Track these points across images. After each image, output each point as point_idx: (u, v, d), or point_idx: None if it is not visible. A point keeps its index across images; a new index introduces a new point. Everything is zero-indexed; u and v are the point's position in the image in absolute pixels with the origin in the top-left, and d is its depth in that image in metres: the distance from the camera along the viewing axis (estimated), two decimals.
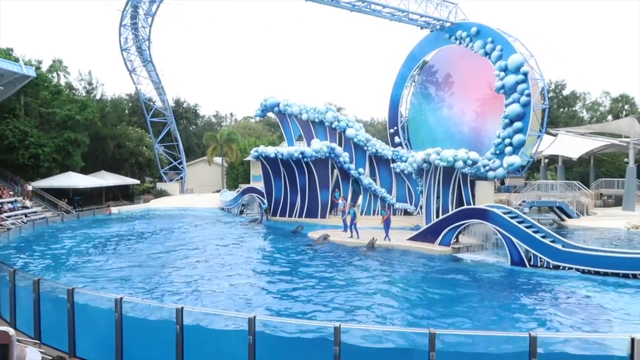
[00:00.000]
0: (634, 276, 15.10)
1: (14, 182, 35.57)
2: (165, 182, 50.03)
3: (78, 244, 21.58)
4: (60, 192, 37.27)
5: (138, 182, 48.52)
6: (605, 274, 15.48)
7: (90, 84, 53.84)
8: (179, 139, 50.13)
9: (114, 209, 35.77)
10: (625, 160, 38.87)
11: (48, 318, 8.97)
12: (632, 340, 6.28)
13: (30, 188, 34.69)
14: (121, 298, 7.93)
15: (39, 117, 40.20)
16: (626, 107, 62.36)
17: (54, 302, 9.20)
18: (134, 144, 51.47)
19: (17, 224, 27.73)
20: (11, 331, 3.40)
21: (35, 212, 32.51)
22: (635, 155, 35.64)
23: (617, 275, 15.33)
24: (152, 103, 48.58)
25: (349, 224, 22.97)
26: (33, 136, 37.07)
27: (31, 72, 34.32)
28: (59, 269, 16.43)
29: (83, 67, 73.77)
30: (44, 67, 45.10)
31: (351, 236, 22.26)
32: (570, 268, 16.23)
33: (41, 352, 6.25)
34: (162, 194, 47.56)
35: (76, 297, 8.44)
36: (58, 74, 48.79)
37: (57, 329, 8.67)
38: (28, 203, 33.19)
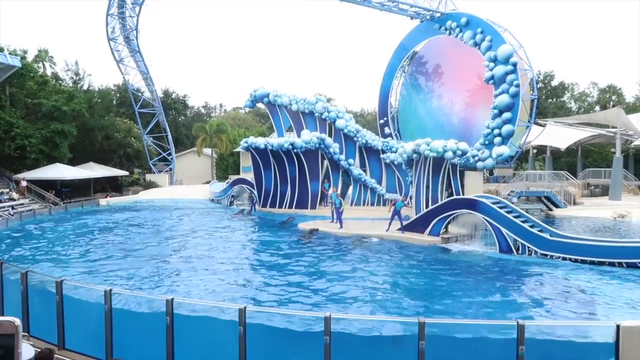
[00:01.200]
0: (621, 264, 15.33)
1: (8, 178, 35.07)
2: (155, 173, 49.72)
3: (66, 236, 21.41)
4: (47, 184, 36.92)
5: (127, 173, 48.20)
6: (592, 263, 15.68)
7: (77, 74, 53.29)
8: (168, 130, 49.78)
9: (102, 201, 35.52)
10: (612, 150, 39.21)
11: (36, 310, 8.90)
12: (618, 327, 6.37)
13: (24, 184, 34.27)
14: (110, 290, 7.88)
15: (25, 108, 39.69)
16: (613, 97, 62.93)
17: (42, 294, 9.13)
18: (122, 135, 51.02)
19: (4, 217, 27.43)
20: (17, 321, 3.35)
21: (22, 204, 32.17)
22: (622, 146, 35.99)
23: (604, 263, 15.54)
24: (140, 94, 48.13)
25: (334, 213, 23.06)
26: (19, 127, 36.57)
27: (16, 62, 33.84)
28: (47, 260, 16.30)
29: (70, 57, 72.64)
30: (30, 57, 44.44)
31: (341, 227, 22.30)
32: (557, 257, 16.43)
33: (30, 345, 6.20)
34: (151, 185, 47.28)
35: (65, 289, 8.39)
36: (44, 64, 48.16)
37: (45, 321, 8.61)
38: (15, 195, 32.82)
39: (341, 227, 22.27)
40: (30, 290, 8.93)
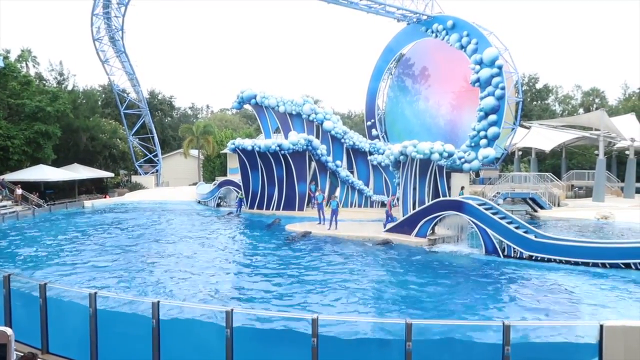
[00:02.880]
0: (604, 265, 15.54)
1: (1, 184, 34.35)
2: (141, 175, 49.30)
3: (51, 238, 21.11)
4: (31, 186, 36.39)
5: (112, 175, 47.71)
6: (576, 263, 15.87)
7: (61, 74, 52.58)
8: (154, 131, 49.37)
9: (87, 203, 35.09)
10: (596, 152, 39.84)
11: (19, 314, 8.77)
12: (601, 327, 6.45)
13: (20, 192, 33.60)
14: (95, 293, 7.78)
15: (8, 108, 39.08)
16: (597, 100, 63.96)
17: (25, 297, 8.98)
18: (107, 136, 50.48)
19: None
20: (9, 331, 3.29)
21: (4, 206, 31.65)
22: (605, 148, 36.55)
23: (588, 264, 15.74)
24: (126, 94, 47.68)
25: (328, 215, 22.99)
26: (1, 128, 36.03)
27: None
28: (32, 264, 16.05)
29: (53, 57, 71.52)
30: (12, 57, 43.79)
31: (329, 228, 22.30)
32: (542, 258, 16.60)
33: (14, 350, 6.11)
34: (137, 187, 46.85)
35: (49, 292, 8.27)
36: (27, 64, 47.46)
37: (29, 325, 8.48)
38: None
39: (330, 227, 22.25)
40: (13, 294, 8.79)
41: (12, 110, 39.19)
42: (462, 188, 24.99)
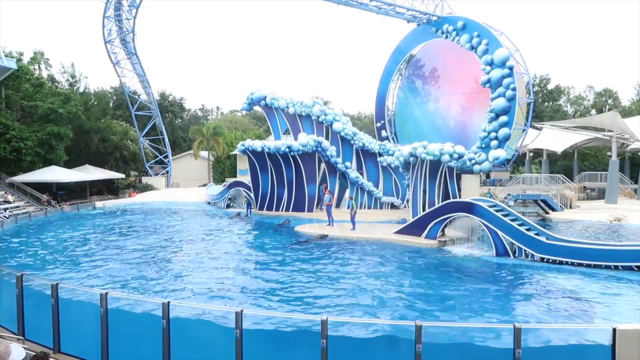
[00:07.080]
0: (616, 267, 15.36)
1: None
2: (151, 176, 49.63)
3: (63, 239, 21.31)
4: (43, 187, 36.79)
5: (123, 176, 48.10)
6: (588, 266, 15.71)
7: (73, 76, 53.10)
8: (165, 132, 49.73)
9: (99, 203, 35.37)
10: (608, 153, 39.45)
11: (32, 313, 8.85)
12: (614, 330, 6.38)
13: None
14: (106, 293, 7.84)
15: (21, 110, 39.58)
16: (609, 101, 63.26)
17: (37, 297, 9.08)
18: (118, 137, 50.93)
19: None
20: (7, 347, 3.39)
21: (17, 206, 32.03)
22: (618, 149, 36.15)
23: (600, 267, 15.57)
24: (136, 96, 48.05)
25: (349, 217, 22.99)
26: (15, 129, 36.45)
27: (12, 64, 33.78)
28: (44, 264, 16.21)
29: (66, 60, 72.36)
30: (25, 59, 44.35)
31: (353, 228, 22.31)
32: (554, 260, 16.44)
33: (25, 348, 6.17)
34: (147, 188, 47.19)
35: (61, 292, 8.34)
36: (40, 67, 48.03)
37: (41, 325, 8.56)
38: (10, 197, 32.67)
39: (353, 228, 22.34)
40: (26, 293, 8.87)
41: (25, 112, 39.66)
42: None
